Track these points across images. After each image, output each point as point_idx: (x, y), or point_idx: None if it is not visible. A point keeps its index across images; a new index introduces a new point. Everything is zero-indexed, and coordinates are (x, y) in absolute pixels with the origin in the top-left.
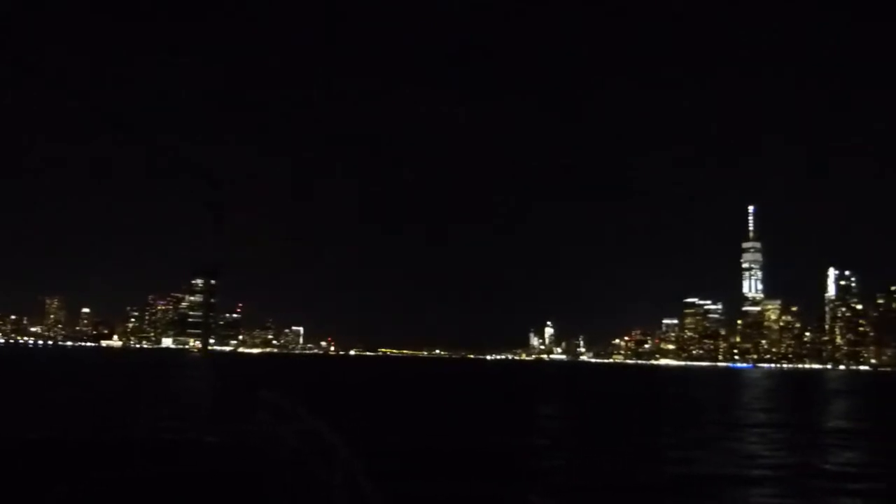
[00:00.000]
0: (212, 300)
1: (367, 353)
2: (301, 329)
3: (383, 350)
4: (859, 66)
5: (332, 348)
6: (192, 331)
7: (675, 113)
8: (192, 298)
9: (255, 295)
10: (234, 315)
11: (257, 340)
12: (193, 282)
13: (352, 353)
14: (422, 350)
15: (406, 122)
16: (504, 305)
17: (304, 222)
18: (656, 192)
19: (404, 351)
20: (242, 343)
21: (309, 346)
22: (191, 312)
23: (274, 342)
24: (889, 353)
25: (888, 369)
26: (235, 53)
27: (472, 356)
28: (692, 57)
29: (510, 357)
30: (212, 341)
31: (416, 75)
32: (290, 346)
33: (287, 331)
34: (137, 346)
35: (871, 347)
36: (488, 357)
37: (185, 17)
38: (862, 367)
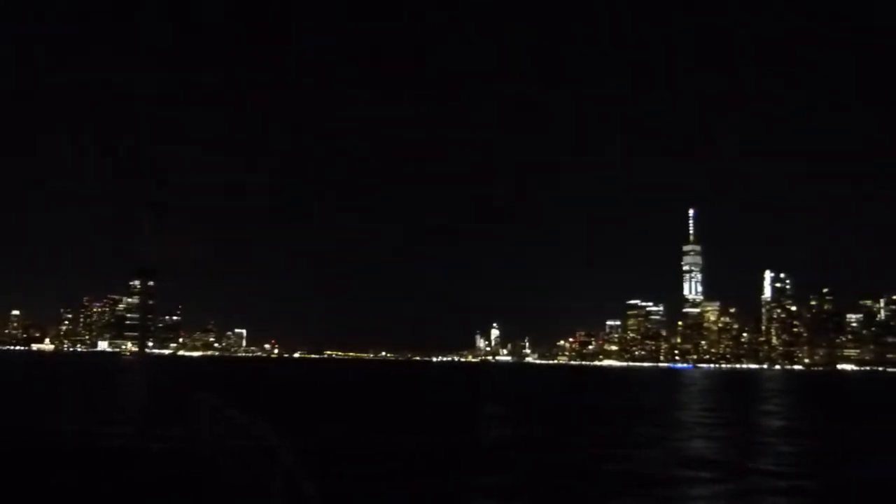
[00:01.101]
0: (150, 302)
1: (312, 356)
2: (244, 331)
3: (328, 352)
4: (795, 71)
5: (276, 351)
6: (130, 333)
7: (619, 116)
8: (129, 300)
9: (197, 297)
10: (174, 317)
11: (198, 343)
12: (131, 283)
13: (296, 355)
14: (367, 352)
15: (353, 122)
16: (450, 308)
17: (248, 223)
18: (600, 195)
19: (350, 353)
20: (183, 346)
21: (252, 348)
22: (128, 315)
23: (216, 345)
24: (821, 353)
25: (820, 368)
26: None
27: (417, 358)
28: (637, 60)
29: (456, 359)
30: (150, 344)
31: (362, 76)
32: (233, 349)
33: (229, 333)
34: (71, 349)
35: (805, 347)
36: (434, 359)
37: (126, 17)
38: (796, 367)
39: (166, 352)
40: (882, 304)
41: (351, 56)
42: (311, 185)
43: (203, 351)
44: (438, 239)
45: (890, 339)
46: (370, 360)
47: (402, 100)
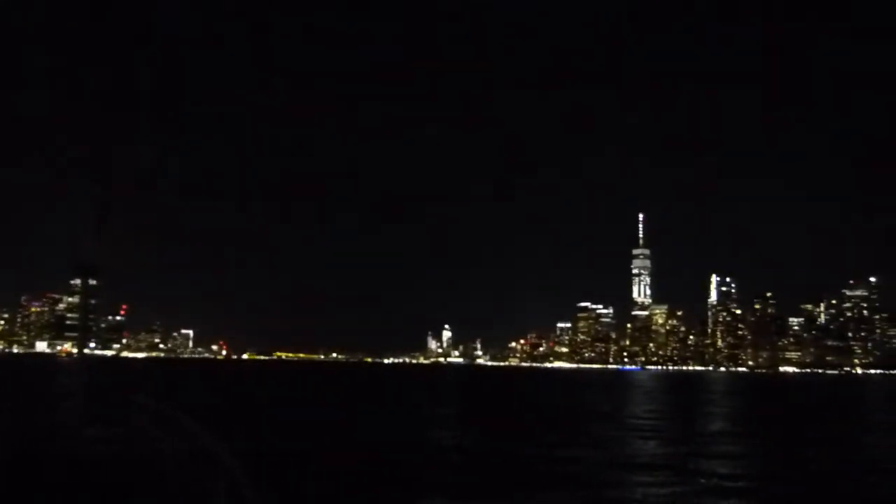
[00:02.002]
0: (92, 301)
1: (262, 357)
2: (190, 332)
3: (278, 353)
4: (744, 75)
5: (224, 352)
6: (70, 334)
7: (570, 120)
8: (70, 300)
9: (142, 297)
10: (118, 318)
11: (143, 344)
12: (72, 282)
13: (245, 356)
14: (318, 353)
15: (302, 121)
16: (402, 309)
17: (196, 222)
18: (552, 199)
19: (300, 354)
20: (126, 347)
21: (199, 349)
22: (69, 315)
23: (161, 346)
24: (764, 356)
25: (763, 371)
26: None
27: (369, 359)
28: (588, 64)
29: (408, 360)
30: (92, 345)
31: (314, 77)
32: (179, 350)
33: (175, 334)
34: (7, 350)
35: (749, 350)
36: (386, 360)
37: (74, 16)
38: (740, 369)
39: (108, 353)
40: (822, 309)
41: (302, 54)
42: (261, 184)
43: (148, 352)
44: (391, 240)
45: (829, 343)
46: (321, 362)
47: (353, 98)
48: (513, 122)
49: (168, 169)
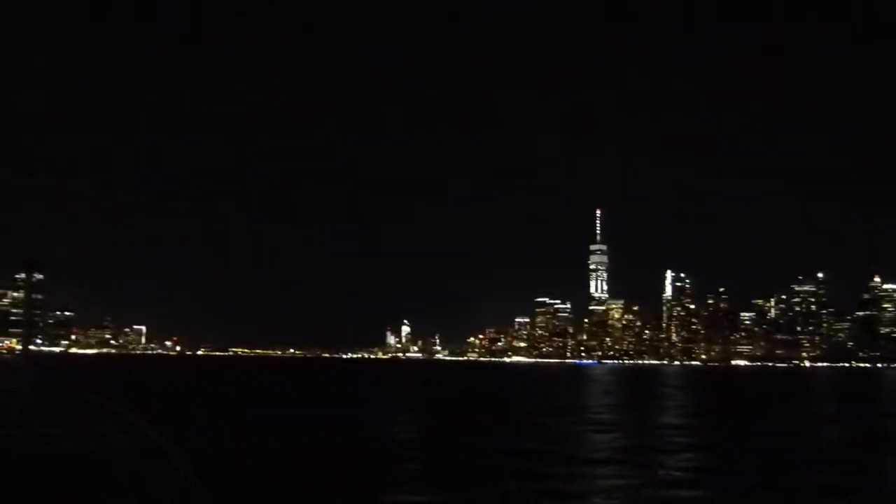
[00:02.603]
0: (37, 296)
1: (217, 353)
2: (143, 328)
3: (234, 350)
4: (699, 75)
5: (178, 348)
6: (14, 330)
7: (530, 117)
8: (15, 294)
9: (93, 292)
10: (67, 313)
11: (93, 340)
12: (17, 276)
13: (199, 352)
14: (275, 349)
15: (262, 117)
16: (360, 304)
17: (150, 216)
18: (511, 194)
19: (257, 350)
20: (76, 343)
21: (152, 345)
22: (13, 310)
23: (112, 342)
24: (717, 350)
25: (716, 364)
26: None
27: (327, 355)
28: (545, 63)
29: (366, 355)
30: (39, 341)
31: (267, 70)
32: (131, 347)
33: (127, 330)
34: None
35: (702, 344)
36: (344, 356)
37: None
38: (694, 363)
39: (56, 349)
40: (772, 304)
41: (252, 49)
42: (219, 180)
43: (98, 348)
44: (349, 236)
45: (779, 337)
46: (278, 358)
47: (313, 97)
48: (473, 119)
49: (120, 163)
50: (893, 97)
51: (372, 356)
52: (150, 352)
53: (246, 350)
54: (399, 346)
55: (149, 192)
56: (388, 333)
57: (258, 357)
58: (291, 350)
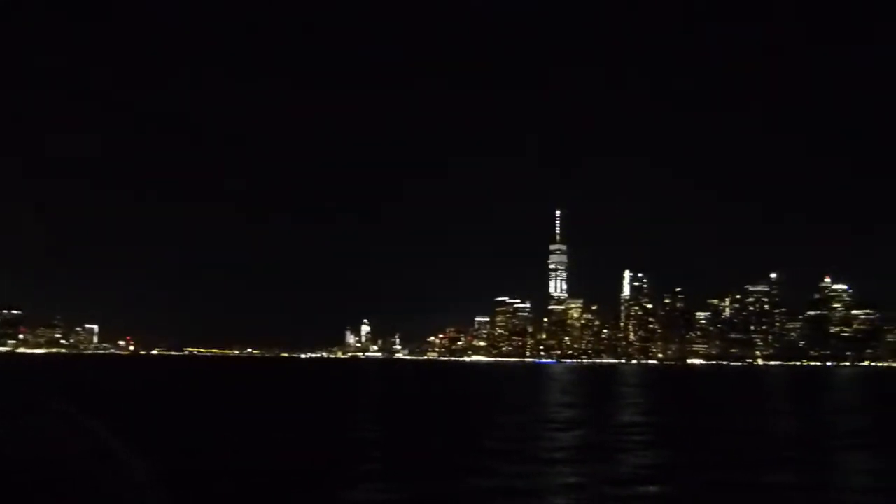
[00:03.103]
0: None
1: (172, 353)
2: (95, 327)
3: (190, 349)
4: (656, 77)
5: (132, 348)
6: None
7: (492, 116)
8: None
9: (42, 290)
10: (14, 312)
11: (42, 340)
12: None
13: (154, 352)
14: (233, 349)
15: (214, 110)
16: (320, 303)
17: (101, 211)
18: (472, 193)
19: (213, 350)
20: (24, 343)
21: (105, 345)
22: None
23: (62, 342)
24: (673, 349)
25: (672, 363)
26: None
27: (286, 355)
28: (503, 61)
29: (325, 355)
30: None
31: (217, 62)
32: (82, 346)
33: (78, 329)
34: None
35: (659, 343)
36: (303, 356)
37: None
38: (651, 362)
39: (2, 349)
40: (727, 303)
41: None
42: (174, 176)
43: (47, 348)
44: (308, 234)
45: (734, 336)
46: (235, 357)
47: (269, 88)
48: (435, 117)
49: (70, 155)
50: (846, 103)
51: (331, 356)
52: (102, 352)
53: (202, 350)
54: (359, 345)
55: (104, 189)
56: (348, 333)
57: (215, 357)
58: (249, 350)
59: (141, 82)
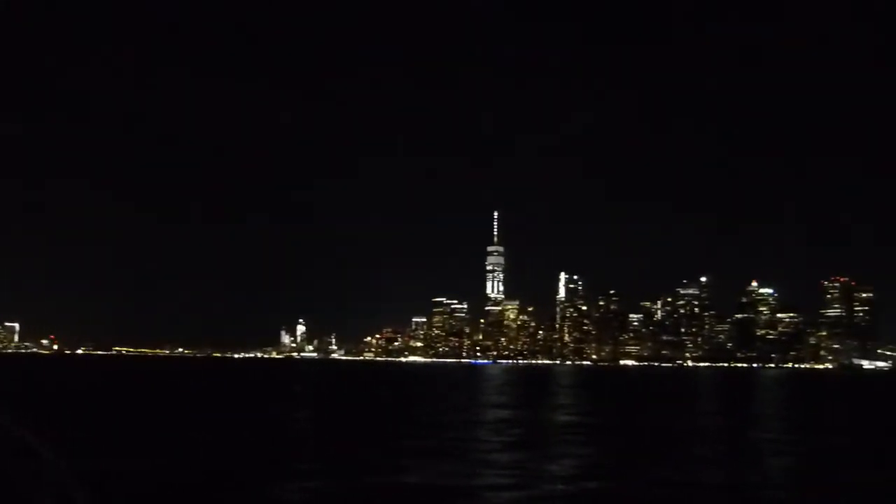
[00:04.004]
0: None
1: (99, 353)
2: (16, 325)
3: (118, 349)
4: (590, 78)
5: (56, 347)
6: None
7: (431, 119)
8: None
9: None
10: None
11: None
12: None
13: (79, 351)
14: (163, 348)
15: (150, 105)
16: (254, 302)
17: (26, 209)
18: (411, 195)
19: (142, 349)
20: None
21: (26, 344)
22: None
23: None
24: (607, 350)
25: (606, 364)
26: None
27: (218, 354)
28: (434, 66)
29: (259, 355)
30: None
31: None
32: (2, 345)
33: None
34: None
35: (593, 344)
36: (236, 355)
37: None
38: (585, 363)
39: None
40: (659, 306)
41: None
42: (103, 171)
43: None
44: (243, 233)
45: (665, 338)
46: (165, 357)
47: (213, 84)
48: (355, 113)
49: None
50: (766, 116)
51: (266, 355)
52: (23, 350)
53: (130, 349)
54: (294, 345)
55: (34, 187)
56: (283, 332)
57: (143, 356)
58: (180, 349)
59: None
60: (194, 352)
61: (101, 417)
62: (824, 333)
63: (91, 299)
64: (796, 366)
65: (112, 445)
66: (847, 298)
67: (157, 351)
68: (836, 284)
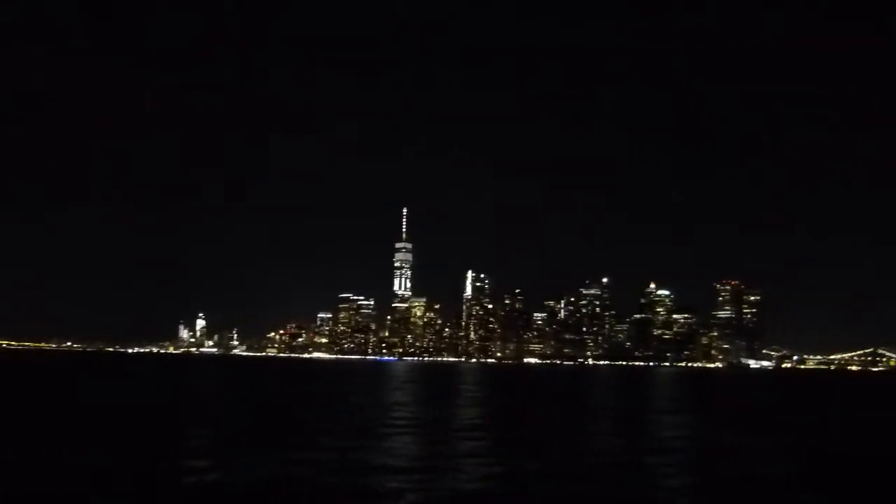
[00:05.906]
0: None
1: None
2: None
3: None
4: (520, 75)
5: None
6: None
7: (344, 112)
8: None
9: None
10: None
11: None
12: None
13: None
14: (50, 342)
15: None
16: (150, 294)
17: None
18: (321, 188)
19: (26, 343)
20: None
21: None
22: None
23: None
24: (511, 348)
25: (510, 361)
26: None
27: (111, 349)
28: (359, 59)
29: (155, 350)
30: None
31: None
32: None
33: None
34: None
35: (498, 342)
36: (130, 350)
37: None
38: (489, 360)
39: None
40: (562, 305)
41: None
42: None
43: None
44: (140, 222)
45: (567, 336)
46: (52, 351)
47: (121, 76)
48: (301, 110)
49: None
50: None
51: (162, 350)
52: None
53: (13, 342)
54: (193, 340)
55: None
56: (181, 327)
57: (26, 350)
58: (68, 343)
59: None
60: (84, 346)
61: None
62: (715, 334)
63: None
64: (689, 364)
65: None
66: (737, 301)
67: (41, 344)
68: (728, 287)
